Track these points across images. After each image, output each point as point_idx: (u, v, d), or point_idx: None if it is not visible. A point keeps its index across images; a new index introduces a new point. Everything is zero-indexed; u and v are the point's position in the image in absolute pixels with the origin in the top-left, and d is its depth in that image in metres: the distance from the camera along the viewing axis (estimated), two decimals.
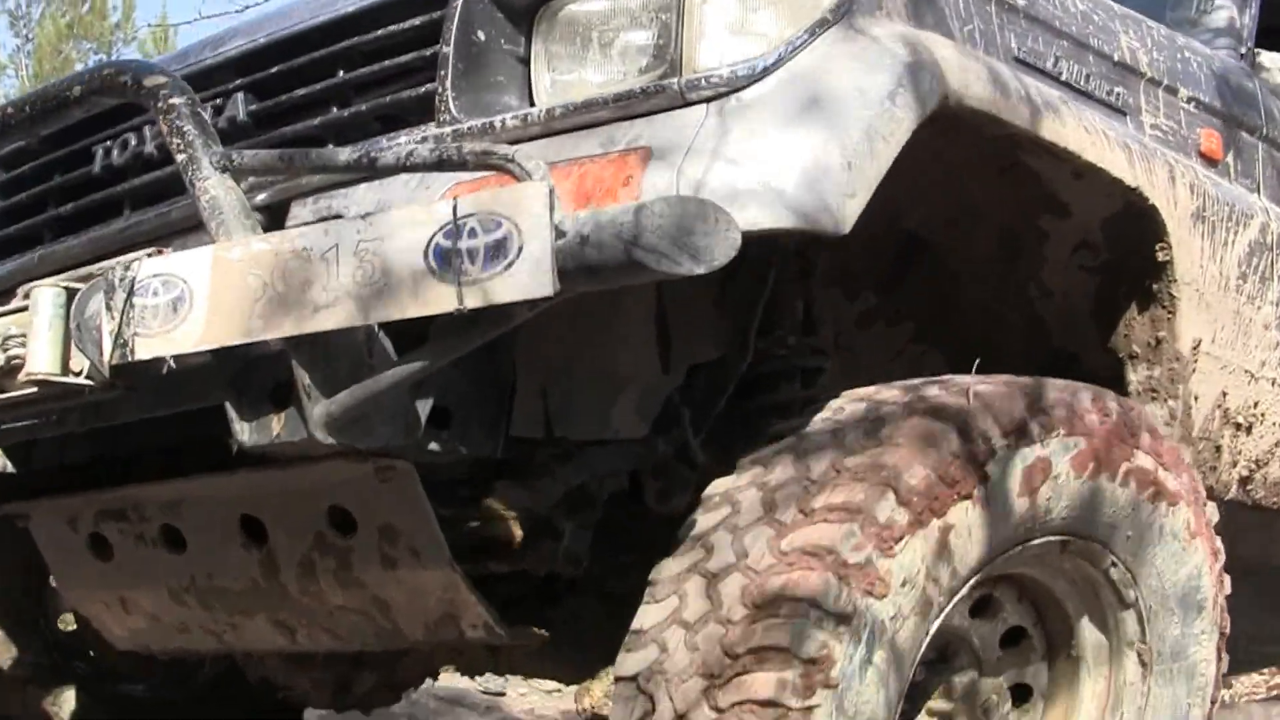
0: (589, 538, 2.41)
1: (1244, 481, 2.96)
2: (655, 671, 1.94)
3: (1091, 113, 2.55)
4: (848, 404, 2.16)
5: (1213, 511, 2.47)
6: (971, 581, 2.09)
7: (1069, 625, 2.36)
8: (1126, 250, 2.70)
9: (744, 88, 2.06)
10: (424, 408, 2.04)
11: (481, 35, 2.20)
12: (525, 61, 2.24)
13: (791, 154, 2.00)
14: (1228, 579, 2.49)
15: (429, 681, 3.11)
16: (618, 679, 1.99)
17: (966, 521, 2.04)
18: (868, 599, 1.92)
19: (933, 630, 2.04)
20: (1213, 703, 2.47)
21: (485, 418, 2.22)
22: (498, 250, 1.73)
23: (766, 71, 2.08)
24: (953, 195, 2.64)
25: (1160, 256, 2.65)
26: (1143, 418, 2.33)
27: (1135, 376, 2.70)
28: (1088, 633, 2.35)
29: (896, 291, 2.80)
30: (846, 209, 2.02)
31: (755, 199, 1.95)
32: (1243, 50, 3.20)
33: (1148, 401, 2.69)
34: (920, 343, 2.87)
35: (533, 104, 2.21)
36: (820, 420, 2.13)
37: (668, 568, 2.03)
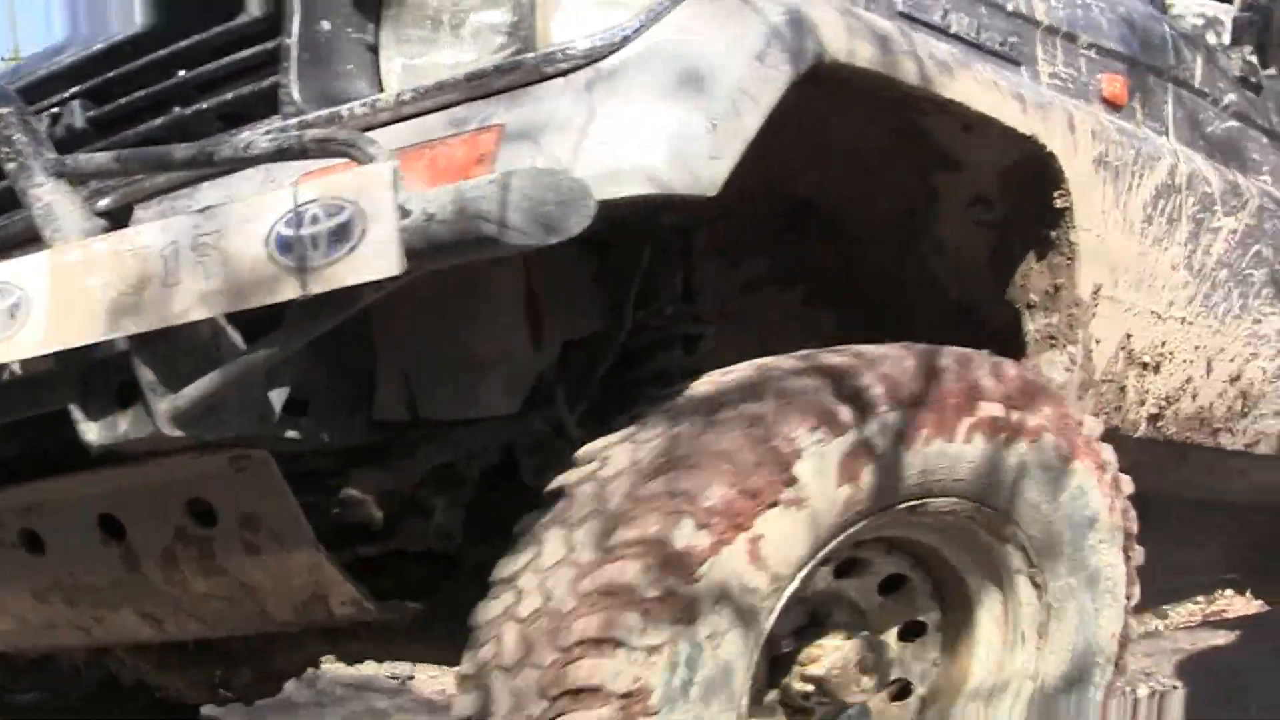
0: (461, 513, 2.49)
1: (1154, 419, 3.07)
2: (483, 715, 2.03)
3: (983, 65, 2.62)
4: (650, 425, 2.17)
5: (1093, 425, 2.54)
6: (803, 574, 2.14)
7: (949, 565, 2.44)
8: (1023, 201, 2.78)
9: (604, 58, 2.11)
10: (279, 396, 2.11)
11: (326, 24, 2.24)
12: (375, 49, 2.28)
13: (652, 120, 2.06)
14: (1127, 480, 2.58)
15: (336, 667, 3.19)
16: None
17: (779, 527, 2.08)
18: (677, 627, 1.99)
19: (768, 628, 2.12)
20: (1128, 598, 2.58)
21: (345, 403, 2.29)
22: (341, 234, 1.80)
23: (627, 40, 2.13)
24: (842, 157, 2.72)
25: (1059, 204, 2.74)
26: (984, 366, 2.37)
27: (1033, 325, 2.79)
28: (971, 569, 2.44)
29: (785, 256, 2.89)
30: (713, 172, 2.08)
31: (615, 167, 2.01)
32: None
33: (1046, 349, 2.79)
34: (812, 306, 2.96)
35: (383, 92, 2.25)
36: (621, 448, 2.15)
37: (484, 612, 2.10)
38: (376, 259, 1.78)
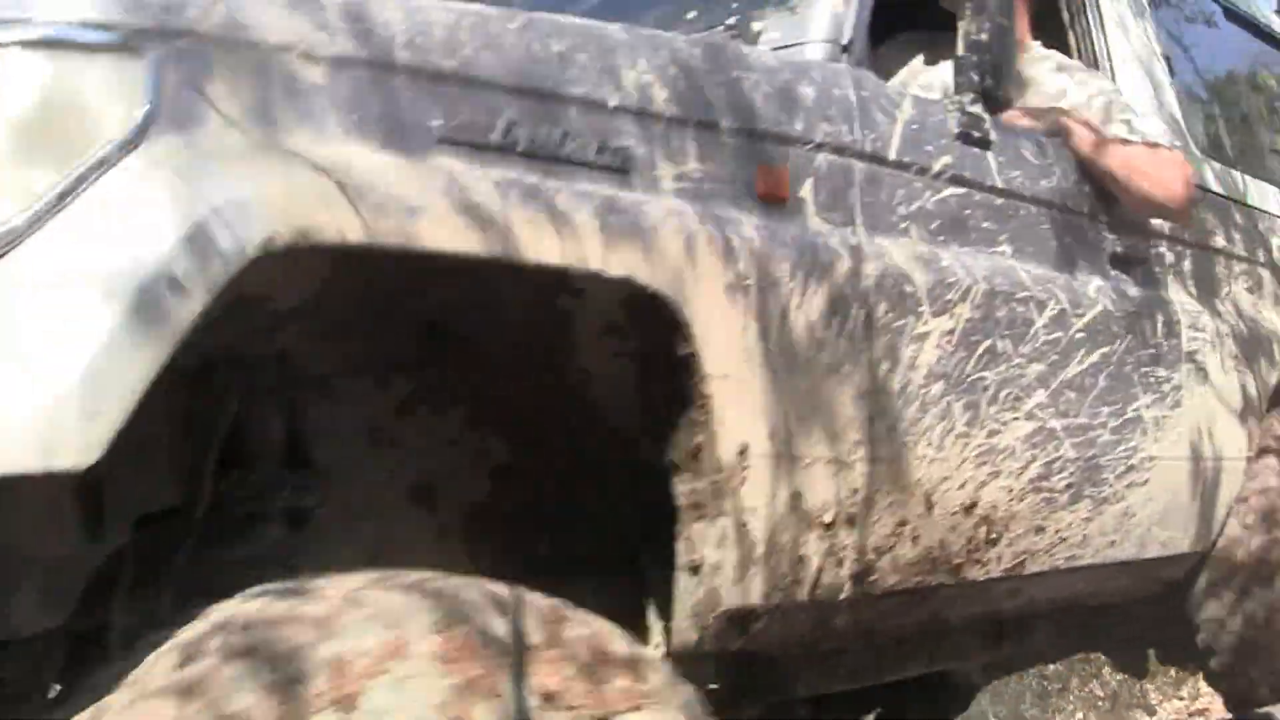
0: None
1: (862, 576, 2.72)
2: None
3: (557, 189, 2.23)
4: None
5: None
6: None
7: None
8: (654, 339, 2.41)
9: None
10: None
11: None
12: None
13: (7, 374, 1.70)
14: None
15: None
16: None
17: None
18: None
19: None
20: None
21: None
22: None
23: (11, 243, 1.75)
24: (455, 274, 2.34)
25: (682, 350, 2.36)
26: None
27: (680, 489, 2.43)
28: None
29: (430, 377, 2.52)
30: (89, 435, 1.72)
31: None
32: (844, 42, 2.88)
33: (694, 519, 2.43)
34: (476, 428, 2.59)
35: None
36: None
37: None
38: None
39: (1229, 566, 3.80)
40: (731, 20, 2.90)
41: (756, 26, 2.91)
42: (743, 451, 2.43)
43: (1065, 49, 3.71)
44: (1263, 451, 3.87)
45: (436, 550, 2.54)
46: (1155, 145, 3.44)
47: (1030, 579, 3.21)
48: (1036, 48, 3.56)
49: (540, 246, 2.16)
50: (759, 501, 2.47)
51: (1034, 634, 3.74)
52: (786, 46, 2.86)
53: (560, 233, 2.19)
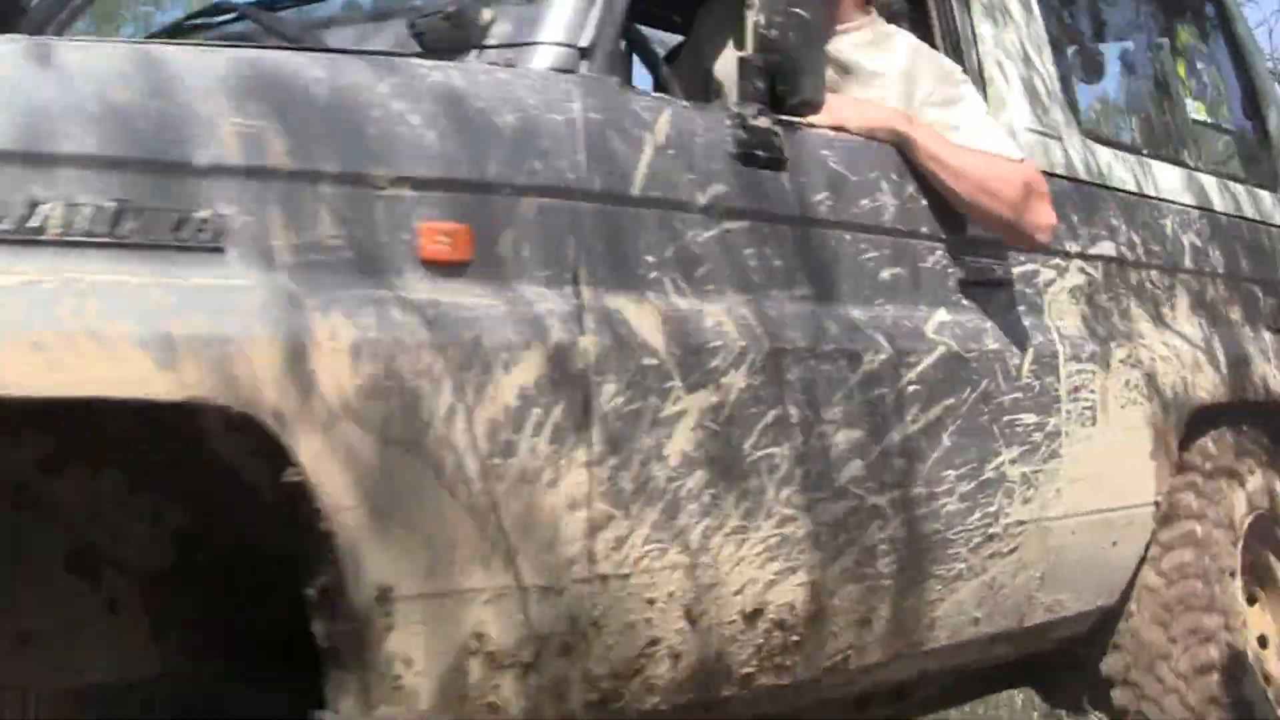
0: None
1: (604, 701, 2.29)
2: None
3: (94, 287, 1.79)
4: None
5: None
6: None
7: None
8: (266, 455, 1.96)
9: None
10: None
11: None
12: None
13: None
14: None
15: None
16: None
17: None
18: None
19: None
20: None
21: None
22: None
23: None
24: None
25: (289, 478, 1.92)
26: None
27: (317, 630, 2.01)
28: None
29: (76, 434, 2.10)
30: None
31: None
32: (583, 44, 2.36)
33: (335, 668, 2.01)
34: (142, 491, 2.22)
35: None
36: None
37: None
38: None
39: (1139, 633, 3.32)
40: (453, 7, 2.37)
41: (486, 15, 2.38)
42: (384, 596, 1.99)
43: (925, 22, 3.16)
44: (1176, 490, 3.35)
45: (108, 628, 2.25)
46: (1009, 159, 2.88)
47: (866, 669, 2.73)
48: (858, 16, 2.99)
49: (51, 380, 1.73)
50: (415, 650, 2.04)
51: (918, 692, 3.27)
52: (512, 45, 2.35)
53: (88, 353, 1.75)
